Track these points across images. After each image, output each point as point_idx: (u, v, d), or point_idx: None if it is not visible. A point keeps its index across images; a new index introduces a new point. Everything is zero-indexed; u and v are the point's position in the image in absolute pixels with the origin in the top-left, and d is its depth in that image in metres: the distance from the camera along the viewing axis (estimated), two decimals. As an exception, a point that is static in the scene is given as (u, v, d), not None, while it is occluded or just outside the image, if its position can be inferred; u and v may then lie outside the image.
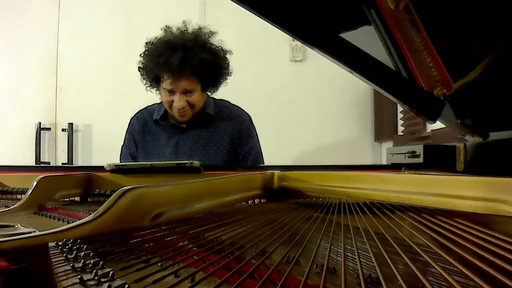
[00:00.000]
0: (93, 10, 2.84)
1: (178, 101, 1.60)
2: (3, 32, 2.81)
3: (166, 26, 1.65)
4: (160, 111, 1.75)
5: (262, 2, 0.84)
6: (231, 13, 2.43)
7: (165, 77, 1.60)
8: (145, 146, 1.76)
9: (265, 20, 0.86)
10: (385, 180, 0.78)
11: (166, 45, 1.60)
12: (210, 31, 1.66)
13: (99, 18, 2.83)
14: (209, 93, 1.78)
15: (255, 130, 1.81)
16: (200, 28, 1.66)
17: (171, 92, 1.61)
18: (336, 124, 2.79)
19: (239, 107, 1.82)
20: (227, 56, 1.69)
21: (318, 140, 2.77)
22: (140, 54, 1.68)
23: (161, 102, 1.79)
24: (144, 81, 1.70)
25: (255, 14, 0.85)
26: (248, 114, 1.81)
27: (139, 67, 1.69)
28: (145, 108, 1.84)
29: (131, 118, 1.84)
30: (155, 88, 1.72)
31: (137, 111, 1.85)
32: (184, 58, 1.55)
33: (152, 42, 1.65)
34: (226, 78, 1.73)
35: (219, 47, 1.67)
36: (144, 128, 1.78)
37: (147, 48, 1.66)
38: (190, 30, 1.64)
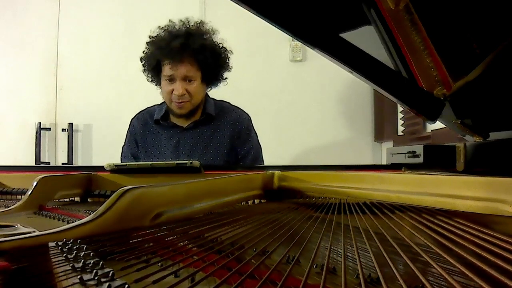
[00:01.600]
0: (93, 10, 2.83)
1: (178, 88, 1.61)
2: (3, 32, 2.81)
3: (170, 20, 1.68)
4: (161, 111, 1.76)
5: (262, 2, 0.84)
6: (231, 13, 2.43)
7: (165, 63, 1.61)
8: (146, 146, 1.77)
9: (265, 20, 0.86)
10: (385, 180, 0.78)
11: (168, 33, 1.63)
12: (212, 29, 1.68)
13: (99, 18, 2.83)
14: (208, 94, 1.79)
15: (254, 130, 1.81)
16: (202, 22, 1.68)
17: (171, 80, 1.63)
18: (336, 124, 2.79)
19: (239, 108, 1.83)
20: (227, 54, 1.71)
21: (318, 140, 2.77)
22: (143, 51, 1.70)
23: (162, 103, 1.79)
24: (146, 73, 1.72)
25: (255, 14, 0.85)
26: (247, 115, 1.82)
27: (141, 58, 1.71)
28: (145, 109, 1.85)
29: (132, 119, 1.84)
30: (155, 83, 1.73)
31: (137, 112, 1.85)
32: (185, 43, 1.58)
33: (154, 36, 1.67)
34: (224, 75, 1.74)
35: (221, 44, 1.69)
36: (145, 128, 1.79)
37: (149, 41, 1.68)
38: (192, 24, 1.67)
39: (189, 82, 1.63)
